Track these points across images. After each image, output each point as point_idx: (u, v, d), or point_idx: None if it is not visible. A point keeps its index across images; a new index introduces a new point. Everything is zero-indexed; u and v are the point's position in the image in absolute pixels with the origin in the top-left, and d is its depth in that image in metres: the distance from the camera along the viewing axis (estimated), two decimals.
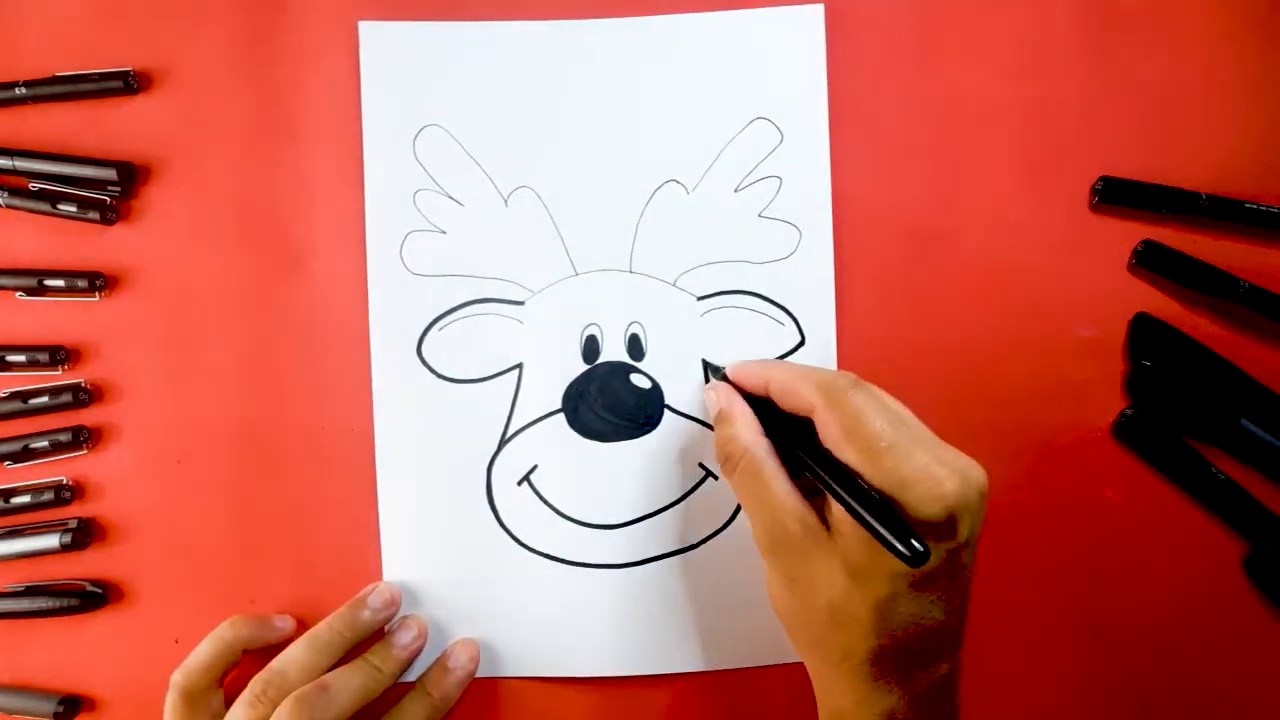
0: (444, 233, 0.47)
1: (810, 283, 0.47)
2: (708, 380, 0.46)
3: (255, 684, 0.42)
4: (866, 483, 0.35)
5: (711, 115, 0.47)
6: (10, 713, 0.45)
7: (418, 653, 0.45)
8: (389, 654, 0.44)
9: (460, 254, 0.47)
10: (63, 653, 0.46)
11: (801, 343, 0.47)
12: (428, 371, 0.47)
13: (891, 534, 0.33)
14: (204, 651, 0.43)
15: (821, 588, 0.37)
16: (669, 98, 0.47)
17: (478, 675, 0.46)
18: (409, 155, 0.47)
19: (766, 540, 0.38)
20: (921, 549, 0.32)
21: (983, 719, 0.46)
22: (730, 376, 0.43)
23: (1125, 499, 0.47)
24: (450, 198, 0.47)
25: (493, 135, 0.47)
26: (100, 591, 0.46)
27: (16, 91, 0.47)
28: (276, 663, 0.43)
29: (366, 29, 0.47)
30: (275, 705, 0.40)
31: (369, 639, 0.45)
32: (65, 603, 0.45)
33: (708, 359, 0.46)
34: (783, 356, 0.47)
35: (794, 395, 0.39)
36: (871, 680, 0.37)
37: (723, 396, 0.42)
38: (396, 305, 0.47)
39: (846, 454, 0.36)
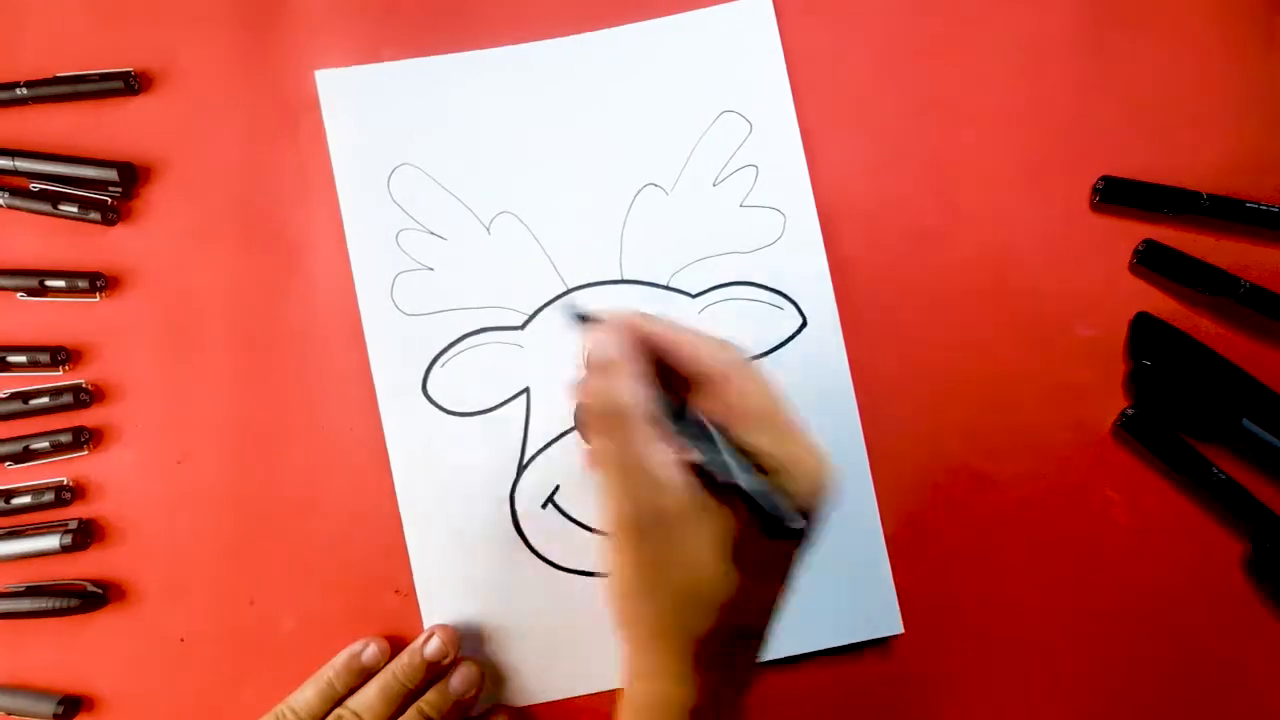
0: (431, 269, 0.47)
1: (802, 263, 0.47)
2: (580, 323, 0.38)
3: None
4: (752, 459, 0.33)
5: (679, 115, 0.48)
6: (10, 713, 0.45)
7: (473, 702, 0.45)
8: (445, 702, 0.44)
9: (451, 288, 0.47)
10: (63, 653, 0.46)
11: (804, 324, 0.47)
12: (437, 410, 0.46)
13: (774, 508, 0.32)
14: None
15: (679, 567, 0.33)
16: (635, 105, 0.47)
17: (532, 703, 0.46)
18: (385, 198, 0.47)
19: (633, 516, 0.33)
20: (804, 523, 0.32)
21: (983, 717, 0.46)
22: (614, 325, 0.36)
23: (1125, 498, 0.47)
24: (433, 234, 0.47)
25: (465, 166, 0.47)
26: (100, 592, 0.46)
27: (17, 92, 0.47)
28: (352, 702, 0.43)
29: (324, 78, 0.47)
30: None
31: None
32: (66, 603, 0.45)
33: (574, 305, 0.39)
34: (787, 340, 0.47)
35: (693, 355, 0.35)
36: (691, 663, 0.34)
37: (612, 342, 0.35)
38: (395, 349, 0.46)
39: (740, 426, 0.34)
